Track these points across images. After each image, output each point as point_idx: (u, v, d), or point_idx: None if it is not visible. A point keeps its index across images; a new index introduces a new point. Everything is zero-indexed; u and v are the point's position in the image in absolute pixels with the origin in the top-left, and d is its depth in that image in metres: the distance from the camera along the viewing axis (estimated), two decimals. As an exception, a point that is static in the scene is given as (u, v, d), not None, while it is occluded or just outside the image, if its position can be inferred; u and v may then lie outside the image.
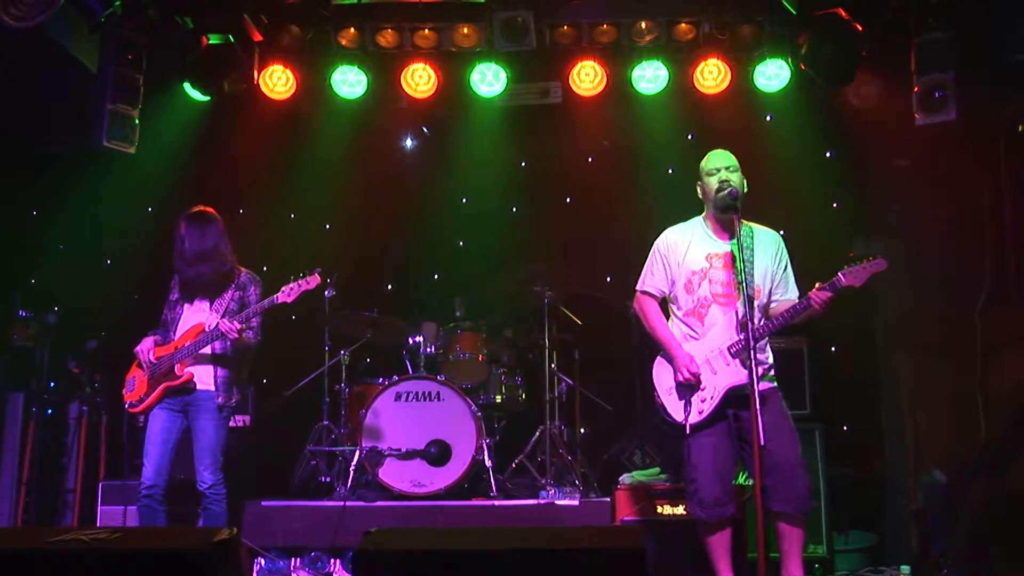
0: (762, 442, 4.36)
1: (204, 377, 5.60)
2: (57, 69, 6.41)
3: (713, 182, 5.00)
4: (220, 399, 5.59)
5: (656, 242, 5.26)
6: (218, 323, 5.47)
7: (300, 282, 5.50)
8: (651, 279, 5.22)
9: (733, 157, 5.07)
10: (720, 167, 5.01)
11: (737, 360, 4.85)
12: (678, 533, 5.86)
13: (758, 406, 4.38)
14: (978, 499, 5.52)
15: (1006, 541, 5.15)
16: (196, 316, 5.66)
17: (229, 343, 5.58)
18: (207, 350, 5.58)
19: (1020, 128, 6.30)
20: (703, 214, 5.19)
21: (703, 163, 5.11)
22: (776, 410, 4.90)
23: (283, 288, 5.50)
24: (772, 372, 5.05)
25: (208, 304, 5.67)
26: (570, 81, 6.89)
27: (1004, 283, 6.50)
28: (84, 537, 3.02)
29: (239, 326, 5.43)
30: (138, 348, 5.67)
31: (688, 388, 4.96)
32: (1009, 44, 5.98)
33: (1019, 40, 5.90)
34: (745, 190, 5.05)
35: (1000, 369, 6.05)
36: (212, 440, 5.56)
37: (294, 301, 5.51)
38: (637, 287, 5.28)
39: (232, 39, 6.42)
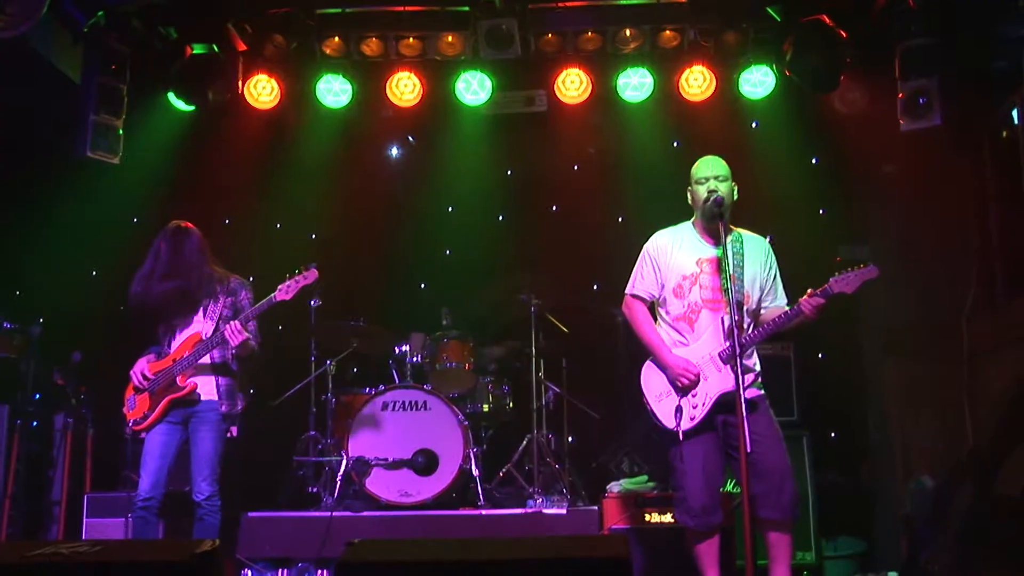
0: (748, 449, 4.36)
1: (206, 387, 5.53)
2: (40, 79, 6.37)
3: (702, 191, 4.96)
4: (224, 407, 5.52)
5: (646, 245, 5.22)
6: (223, 330, 5.39)
7: (297, 278, 5.39)
8: (641, 282, 5.18)
9: (725, 165, 5.02)
10: (710, 176, 4.97)
11: (728, 366, 4.81)
12: (667, 541, 5.85)
13: (744, 413, 4.38)
14: (966, 504, 5.52)
15: (994, 546, 5.14)
16: (190, 327, 5.62)
17: (228, 350, 5.54)
18: (206, 360, 5.51)
19: (1005, 134, 6.32)
20: (692, 219, 5.16)
21: (693, 170, 5.06)
22: (764, 417, 4.89)
23: (280, 286, 5.39)
24: (760, 379, 5.03)
25: (201, 313, 5.63)
26: (555, 89, 6.89)
27: (991, 288, 6.51)
28: (64, 551, 2.99)
29: (242, 329, 5.37)
30: (132, 371, 5.60)
31: (679, 394, 4.93)
32: (993, 50, 6.00)
33: (1002, 46, 5.92)
34: (735, 197, 5.04)
35: (987, 374, 6.06)
36: (212, 451, 5.49)
37: (292, 298, 5.43)
38: (626, 290, 5.23)
39: (216, 49, 6.41)
